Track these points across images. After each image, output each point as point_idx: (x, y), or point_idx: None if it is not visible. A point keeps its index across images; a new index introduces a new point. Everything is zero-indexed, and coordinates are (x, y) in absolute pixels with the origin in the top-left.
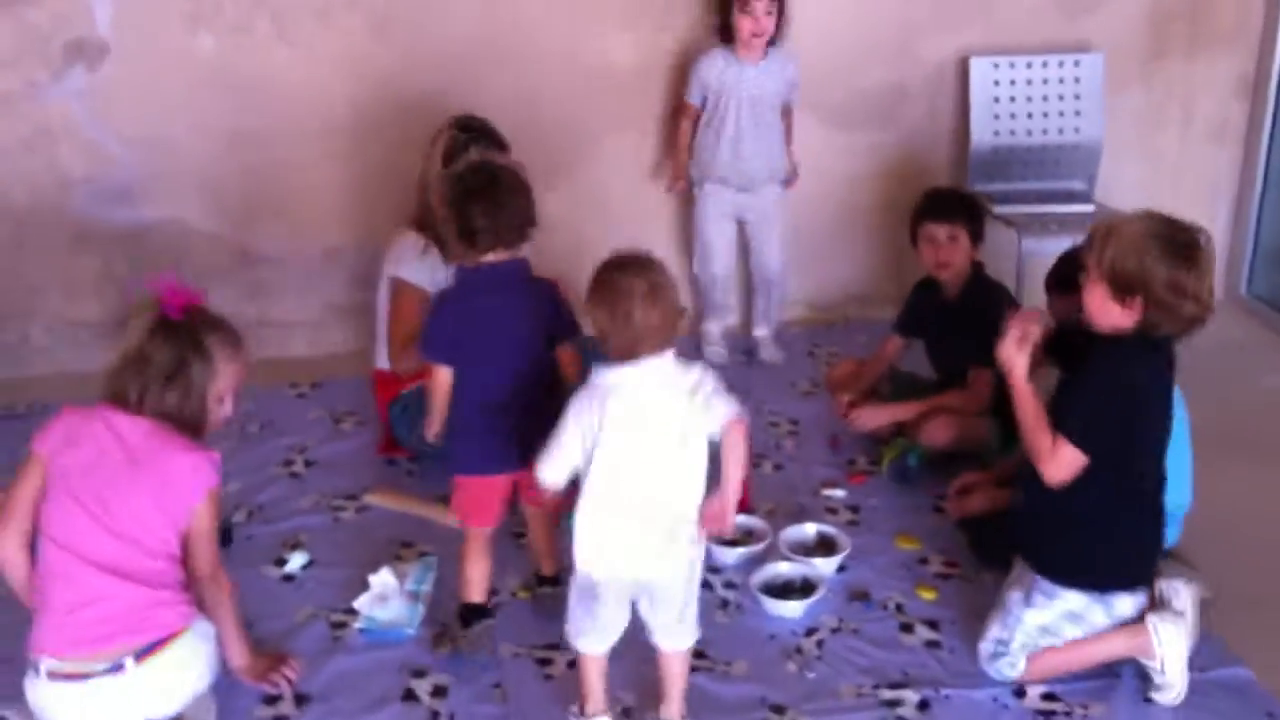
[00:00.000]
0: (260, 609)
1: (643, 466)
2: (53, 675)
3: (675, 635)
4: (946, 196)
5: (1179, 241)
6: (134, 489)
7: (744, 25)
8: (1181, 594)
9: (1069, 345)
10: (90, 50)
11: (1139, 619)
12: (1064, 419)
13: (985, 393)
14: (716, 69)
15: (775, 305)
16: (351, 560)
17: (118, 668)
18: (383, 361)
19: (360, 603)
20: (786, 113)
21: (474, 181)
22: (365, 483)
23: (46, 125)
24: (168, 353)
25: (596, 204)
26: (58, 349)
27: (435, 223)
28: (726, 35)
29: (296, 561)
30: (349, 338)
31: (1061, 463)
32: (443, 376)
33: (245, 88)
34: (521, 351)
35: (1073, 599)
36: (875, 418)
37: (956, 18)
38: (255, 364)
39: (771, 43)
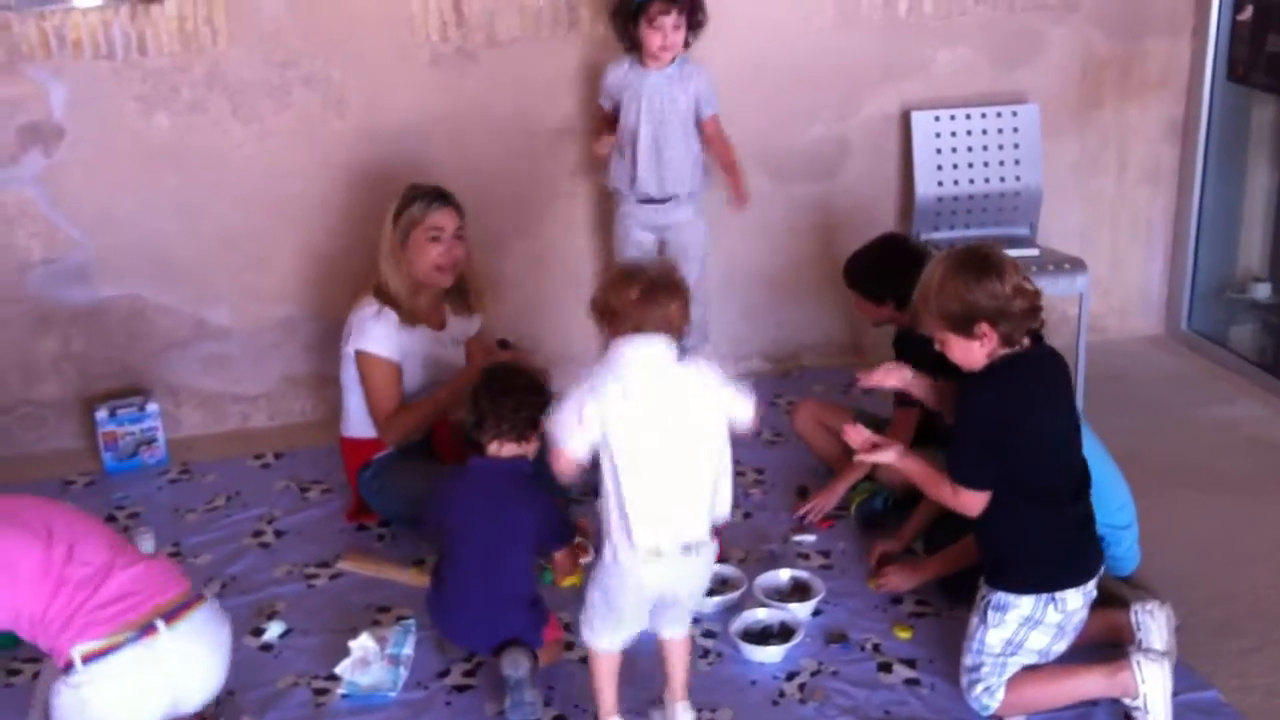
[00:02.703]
0: (241, 679)
1: (667, 439)
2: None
3: (682, 624)
4: (847, 262)
5: (972, 261)
6: None
7: (652, 40)
8: (1158, 628)
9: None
10: (46, 134)
11: (1120, 657)
12: (950, 469)
13: (903, 431)
14: (620, 75)
15: (701, 348)
16: (329, 626)
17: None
18: (350, 430)
19: (342, 668)
20: (712, 129)
21: (492, 378)
22: (336, 550)
23: (3, 210)
24: None
25: (550, 264)
26: (16, 429)
27: (393, 288)
28: (634, 48)
29: (274, 630)
30: (309, 407)
31: (967, 504)
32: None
33: (200, 164)
34: (500, 552)
35: (1025, 604)
36: (831, 500)
37: (896, 73)
38: (218, 436)
39: (694, 29)
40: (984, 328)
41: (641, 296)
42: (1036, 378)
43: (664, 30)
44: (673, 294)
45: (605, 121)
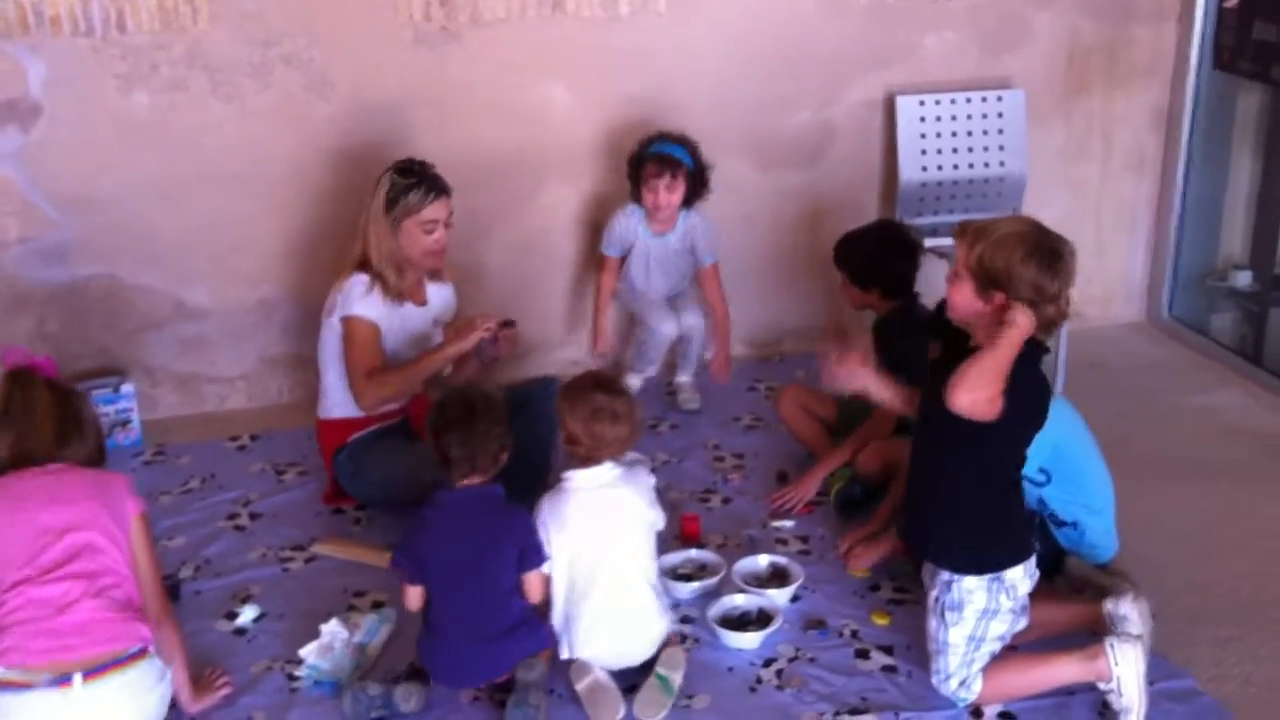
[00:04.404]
0: (215, 663)
1: (606, 549)
2: None
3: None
4: (840, 243)
5: (1046, 247)
6: (76, 495)
7: (647, 198)
8: (1133, 615)
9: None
10: (23, 112)
11: (1094, 643)
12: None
13: (884, 421)
14: (630, 226)
15: (694, 351)
16: (303, 611)
17: (63, 680)
18: (327, 411)
19: (306, 650)
20: (709, 277)
21: (452, 412)
22: (312, 533)
23: None
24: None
25: (535, 250)
26: None
27: (378, 263)
28: (639, 199)
29: (248, 614)
30: (286, 389)
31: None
32: (413, 595)
33: (179, 143)
34: (485, 578)
35: (977, 596)
36: (810, 488)
37: (881, 57)
38: (194, 418)
39: (689, 202)
40: (999, 300)
41: (593, 433)
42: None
43: (657, 191)
44: (618, 422)
45: (611, 272)
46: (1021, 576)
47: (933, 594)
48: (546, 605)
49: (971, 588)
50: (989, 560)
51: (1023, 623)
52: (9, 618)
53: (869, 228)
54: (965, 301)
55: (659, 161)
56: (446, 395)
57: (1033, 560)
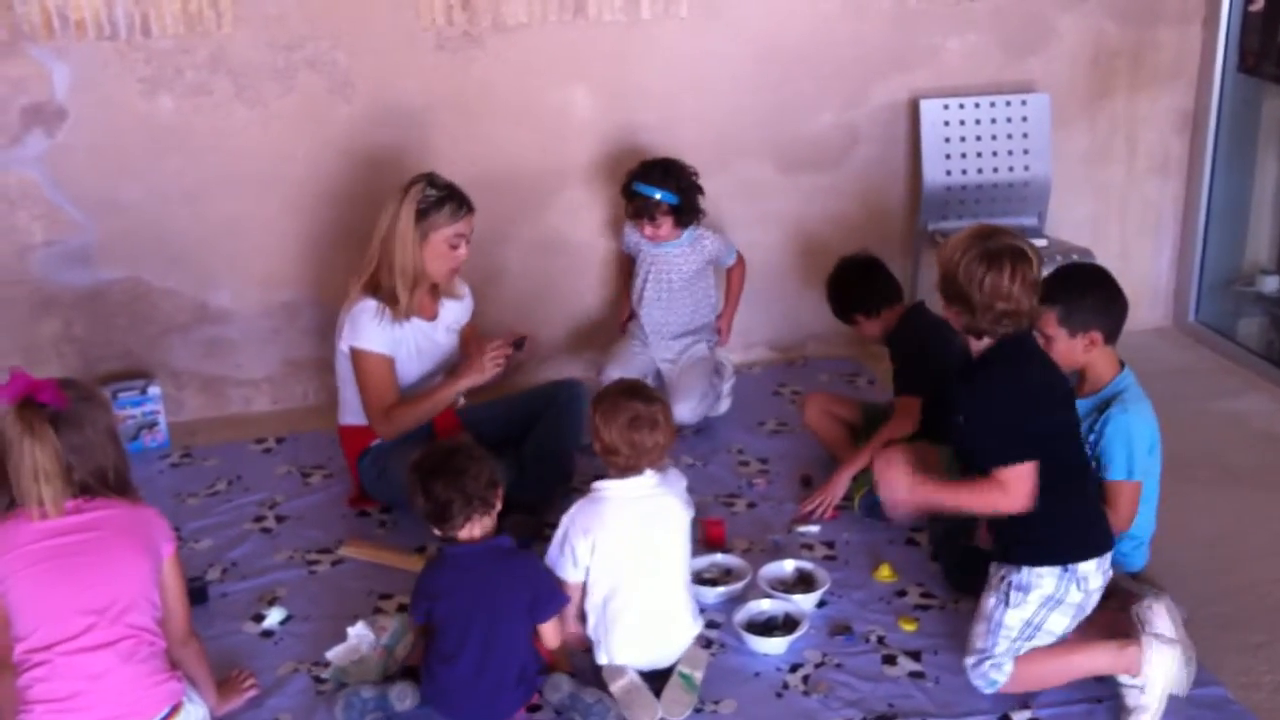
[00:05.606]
0: (241, 665)
1: (645, 556)
2: None
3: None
4: (839, 299)
5: (989, 249)
6: (112, 549)
7: (640, 229)
8: (1162, 621)
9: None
10: (49, 115)
11: (1132, 633)
12: (983, 454)
13: (908, 419)
14: (635, 237)
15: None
16: (329, 613)
17: None
18: (347, 418)
19: (333, 653)
20: (731, 272)
21: (430, 461)
22: (338, 535)
23: (5, 192)
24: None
25: (556, 253)
26: None
27: (392, 279)
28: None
29: (275, 617)
30: (311, 391)
31: (1015, 490)
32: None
33: (203, 147)
34: (501, 635)
35: (1046, 582)
36: (838, 489)
37: (904, 60)
38: (220, 420)
39: (686, 224)
40: (956, 306)
41: (631, 442)
42: (1030, 358)
43: (642, 229)
44: (654, 429)
45: (626, 271)
46: (1094, 570)
47: (1000, 573)
48: (561, 648)
49: (1042, 573)
50: (1047, 553)
51: (1075, 624)
52: (33, 690)
53: (842, 276)
54: (941, 309)
55: (637, 205)
56: (422, 453)
57: (1107, 557)
